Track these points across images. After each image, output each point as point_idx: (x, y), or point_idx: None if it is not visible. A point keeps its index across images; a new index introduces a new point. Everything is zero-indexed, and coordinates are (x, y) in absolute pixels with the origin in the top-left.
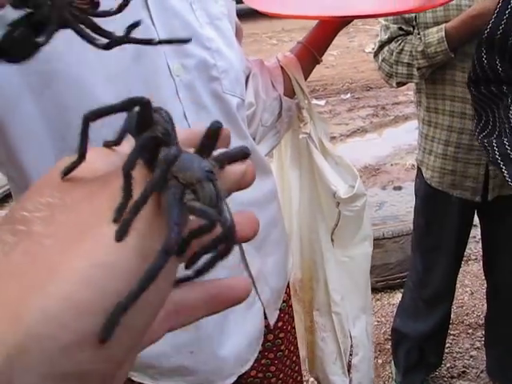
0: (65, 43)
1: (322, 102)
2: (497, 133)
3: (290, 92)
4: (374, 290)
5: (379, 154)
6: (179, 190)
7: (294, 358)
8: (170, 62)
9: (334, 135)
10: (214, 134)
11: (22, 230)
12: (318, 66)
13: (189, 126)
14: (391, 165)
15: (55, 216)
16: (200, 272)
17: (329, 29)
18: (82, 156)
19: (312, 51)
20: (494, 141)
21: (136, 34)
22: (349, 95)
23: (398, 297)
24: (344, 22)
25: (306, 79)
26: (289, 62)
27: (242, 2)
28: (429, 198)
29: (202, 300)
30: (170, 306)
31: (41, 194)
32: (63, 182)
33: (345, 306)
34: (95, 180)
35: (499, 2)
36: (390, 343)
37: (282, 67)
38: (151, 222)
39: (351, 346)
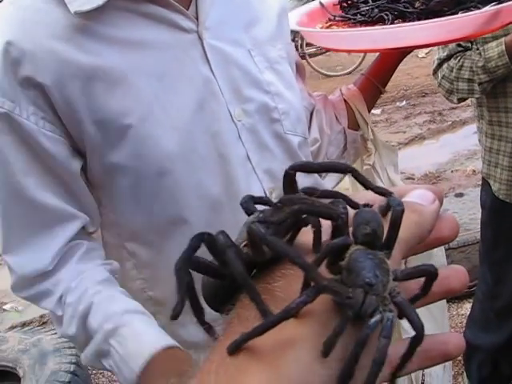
0: (133, 100)
1: (378, 111)
2: None
3: (354, 124)
4: None
5: (439, 161)
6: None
7: None
8: (230, 108)
9: (392, 144)
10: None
11: (268, 298)
12: None
13: (252, 168)
14: (451, 171)
15: (291, 283)
16: None
17: (390, 60)
18: None
19: (375, 83)
20: None
21: (198, 86)
22: (404, 102)
23: (466, 307)
24: (404, 52)
25: (369, 111)
26: (352, 94)
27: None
28: (496, 211)
29: (414, 354)
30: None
31: (273, 269)
32: None
33: None
34: None
35: None
36: (461, 355)
37: (345, 100)
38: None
39: (423, 375)
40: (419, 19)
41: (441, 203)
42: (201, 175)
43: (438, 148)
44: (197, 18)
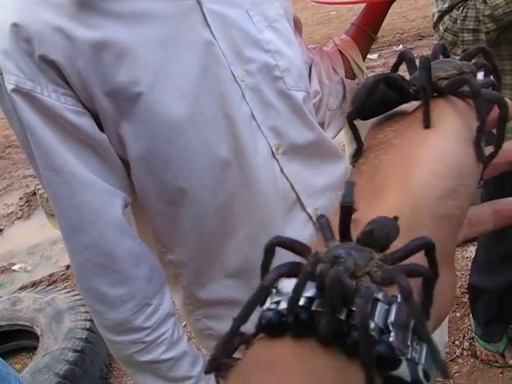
0: (140, 70)
1: (375, 56)
2: None
3: (350, 74)
4: None
5: None
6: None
7: None
8: (233, 69)
9: None
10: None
11: (385, 146)
12: None
13: (257, 125)
14: None
15: (402, 132)
16: None
17: (379, 7)
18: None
19: (366, 31)
20: None
21: (200, 50)
22: (401, 46)
23: (471, 250)
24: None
25: (364, 59)
26: (346, 44)
27: None
28: None
29: (488, 214)
30: (465, 220)
31: (384, 126)
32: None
33: None
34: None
35: None
36: (466, 296)
37: (340, 50)
38: None
39: None
40: None
41: None
42: (209, 136)
43: None
44: None
